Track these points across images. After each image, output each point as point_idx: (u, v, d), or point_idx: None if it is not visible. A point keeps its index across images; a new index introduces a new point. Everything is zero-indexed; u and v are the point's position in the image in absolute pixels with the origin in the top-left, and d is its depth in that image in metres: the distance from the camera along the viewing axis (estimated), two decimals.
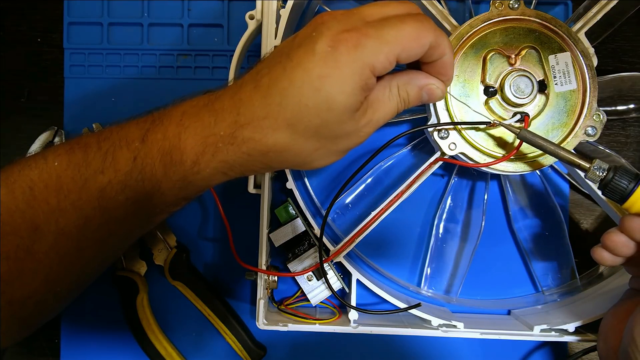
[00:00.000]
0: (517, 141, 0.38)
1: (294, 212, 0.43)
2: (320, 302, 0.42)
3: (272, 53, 0.31)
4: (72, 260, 0.31)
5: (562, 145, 0.39)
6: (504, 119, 0.39)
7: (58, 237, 0.30)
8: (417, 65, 0.33)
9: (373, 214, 0.41)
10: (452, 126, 0.39)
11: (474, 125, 0.38)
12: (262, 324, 0.39)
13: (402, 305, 0.41)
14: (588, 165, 0.34)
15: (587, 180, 0.35)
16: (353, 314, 0.41)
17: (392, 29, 0.29)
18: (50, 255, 0.30)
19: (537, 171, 0.42)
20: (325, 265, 0.40)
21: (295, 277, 0.42)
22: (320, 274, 0.41)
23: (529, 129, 0.38)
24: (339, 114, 0.29)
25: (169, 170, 0.30)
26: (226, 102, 0.30)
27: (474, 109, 0.39)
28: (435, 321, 0.40)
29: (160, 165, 0.30)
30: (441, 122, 0.39)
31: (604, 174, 0.34)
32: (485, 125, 0.38)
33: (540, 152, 0.38)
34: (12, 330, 0.32)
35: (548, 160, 0.39)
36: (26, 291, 0.30)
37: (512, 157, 0.38)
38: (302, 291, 0.42)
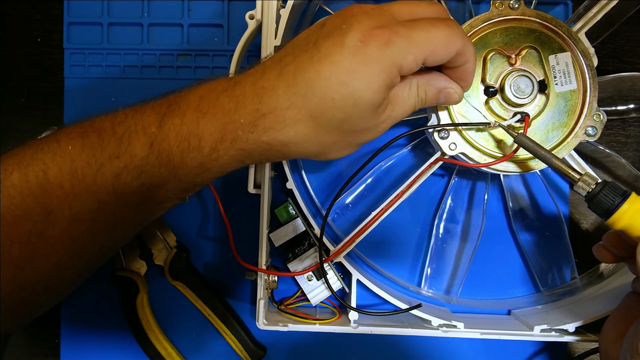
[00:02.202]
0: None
1: (294, 212, 0.43)
2: (320, 302, 0.42)
3: (295, 40, 0.31)
4: (84, 245, 0.30)
5: (562, 145, 0.39)
6: (504, 119, 0.39)
7: (71, 222, 0.29)
8: (438, 67, 0.33)
9: (373, 214, 0.41)
10: (453, 124, 0.39)
11: (473, 126, 0.38)
12: (262, 324, 0.39)
13: (403, 306, 0.41)
14: (577, 177, 0.34)
15: (575, 191, 0.35)
16: (353, 314, 0.41)
17: (423, 31, 0.29)
18: (63, 240, 0.29)
19: (537, 171, 0.42)
20: (325, 265, 0.40)
21: (295, 277, 0.42)
22: (321, 274, 0.41)
23: (529, 128, 0.38)
24: (363, 110, 0.29)
25: (186, 157, 0.30)
26: (247, 88, 0.30)
27: (475, 108, 0.39)
28: (436, 321, 0.40)
29: (177, 152, 0.30)
30: (441, 122, 0.39)
31: (592, 187, 0.34)
32: (484, 126, 0.38)
33: None
34: (20, 315, 0.31)
35: None
36: (37, 276, 0.29)
37: (512, 157, 0.38)
38: (302, 291, 0.42)
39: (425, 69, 0.33)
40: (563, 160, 0.35)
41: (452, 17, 0.33)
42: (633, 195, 0.33)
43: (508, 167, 0.39)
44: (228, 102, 0.30)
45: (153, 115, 0.30)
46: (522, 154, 0.39)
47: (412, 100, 0.32)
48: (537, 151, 0.35)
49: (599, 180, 0.34)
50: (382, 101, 0.30)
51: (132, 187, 0.30)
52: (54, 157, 0.29)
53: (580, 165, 0.40)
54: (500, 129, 0.38)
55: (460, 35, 0.30)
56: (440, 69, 0.33)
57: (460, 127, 0.39)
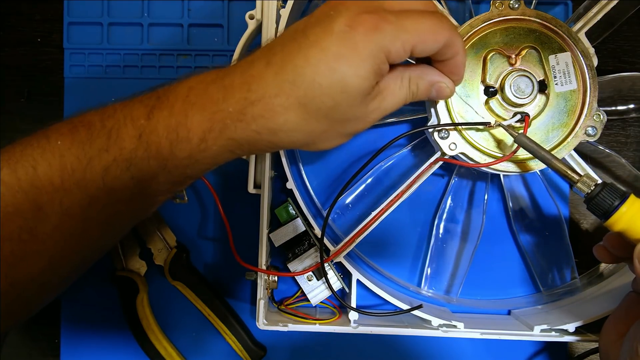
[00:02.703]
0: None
1: (294, 212, 0.43)
2: (320, 302, 0.42)
3: (285, 31, 0.31)
4: (76, 241, 0.30)
5: (563, 145, 0.39)
6: (504, 119, 0.39)
7: (62, 218, 0.29)
8: (427, 61, 0.33)
9: (373, 214, 0.41)
10: (453, 124, 0.39)
11: (474, 126, 0.38)
12: (262, 324, 0.39)
13: (403, 306, 0.41)
14: (577, 178, 0.34)
15: (574, 191, 0.35)
16: (353, 314, 0.41)
17: (411, 19, 0.29)
18: (54, 237, 0.29)
19: (538, 171, 0.42)
20: (325, 265, 0.40)
21: (295, 277, 0.42)
22: (321, 273, 0.41)
23: (529, 128, 0.38)
24: (351, 97, 0.29)
25: (175, 148, 0.30)
26: (236, 78, 0.30)
27: (475, 109, 0.39)
28: (436, 321, 0.40)
29: (166, 143, 0.29)
30: (441, 122, 0.39)
31: (591, 189, 0.34)
32: (485, 126, 0.38)
33: None
34: (14, 313, 0.31)
35: None
36: (30, 273, 0.29)
37: (512, 157, 0.38)
38: (302, 291, 0.42)
39: (416, 62, 0.33)
40: (562, 161, 0.35)
41: (441, 11, 0.32)
42: (632, 197, 0.33)
43: (508, 167, 0.39)
44: (216, 92, 0.29)
45: (142, 108, 0.30)
46: (522, 154, 0.39)
47: (404, 92, 0.32)
48: (536, 151, 0.35)
49: (599, 182, 0.34)
50: (370, 88, 0.30)
51: (122, 180, 0.30)
52: (44, 152, 0.29)
53: (580, 165, 0.40)
54: (500, 129, 0.38)
55: (448, 27, 0.30)
56: (430, 63, 0.33)
57: (460, 127, 0.39)
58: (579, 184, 0.34)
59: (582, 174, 0.35)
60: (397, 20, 0.29)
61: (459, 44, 0.31)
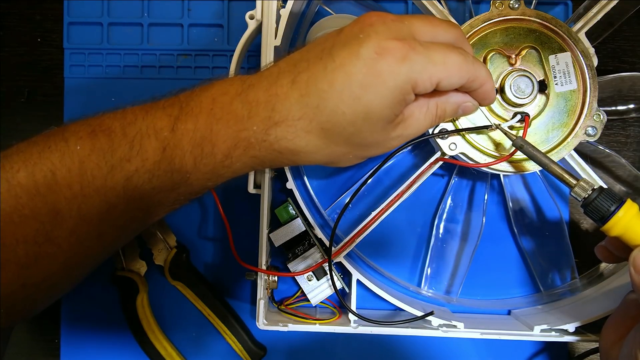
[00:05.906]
0: None
1: (294, 212, 0.43)
2: (320, 302, 0.42)
3: (312, 44, 0.31)
4: (91, 245, 0.30)
5: (563, 145, 0.39)
6: (505, 119, 0.39)
7: (79, 223, 0.29)
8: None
9: (373, 214, 0.41)
10: (454, 130, 0.39)
11: (473, 130, 0.38)
12: (262, 324, 0.39)
13: (403, 306, 0.41)
14: (574, 182, 0.34)
15: (571, 196, 0.35)
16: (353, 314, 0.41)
17: (439, 52, 0.29)
18: (69, 240, 0.29)
19: (538, 171, 0.42)
20: (325, 265, 0.40)
21: (295, 277, 0.42)
22: (325, 271, 0.41)
23: (529, 128, 0.38)
24: (373, 124, 0.29)
25: (199, 163, 0.30)
26: (261, 94, 0.29)
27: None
28: (436, 321, 0.40)
29: (190, 157, 0.29)
30: (442, 125, 0.39)
31: (588, 193, 0.34)
32: (486, 129, 0.38)
33: None
34: (22, 312, 0.31)
35: None
36: (42, 275, 0.29)
37: (512, 157, 0.38)
38: (302, 291, 0.42)
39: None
40: (560, 165, 0.35)
41: (467, 41, 0.34)
42: (628, 202, 0.33)
43: (508, 167, 0.39)
44: (241, 108, 0.29)
45: (165, 118, 0.30)
46: (522, 154, 0.39)
47: (429, 120, 0.32)
48: (533, 155, 0.35)
49: (595, 186, 0.34)
50: (393, 117, 0.30)
51: (143, 190, 0.30)
52: (62, 157, 0.28)
53: (580, 165, 0.40)
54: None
55: (472, 62, 0.31)
56: None
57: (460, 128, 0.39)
58: (576, 189, 0.34)
59: (579, 178, 0.35)
60: (426, 51, 0.29)
61: (483, 76, 0.32)
